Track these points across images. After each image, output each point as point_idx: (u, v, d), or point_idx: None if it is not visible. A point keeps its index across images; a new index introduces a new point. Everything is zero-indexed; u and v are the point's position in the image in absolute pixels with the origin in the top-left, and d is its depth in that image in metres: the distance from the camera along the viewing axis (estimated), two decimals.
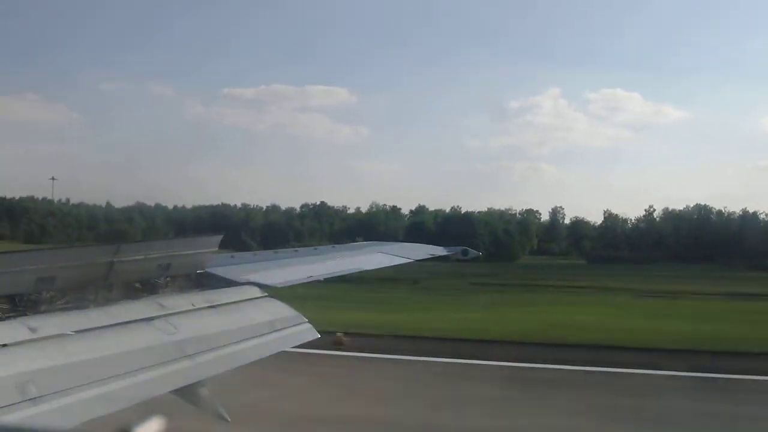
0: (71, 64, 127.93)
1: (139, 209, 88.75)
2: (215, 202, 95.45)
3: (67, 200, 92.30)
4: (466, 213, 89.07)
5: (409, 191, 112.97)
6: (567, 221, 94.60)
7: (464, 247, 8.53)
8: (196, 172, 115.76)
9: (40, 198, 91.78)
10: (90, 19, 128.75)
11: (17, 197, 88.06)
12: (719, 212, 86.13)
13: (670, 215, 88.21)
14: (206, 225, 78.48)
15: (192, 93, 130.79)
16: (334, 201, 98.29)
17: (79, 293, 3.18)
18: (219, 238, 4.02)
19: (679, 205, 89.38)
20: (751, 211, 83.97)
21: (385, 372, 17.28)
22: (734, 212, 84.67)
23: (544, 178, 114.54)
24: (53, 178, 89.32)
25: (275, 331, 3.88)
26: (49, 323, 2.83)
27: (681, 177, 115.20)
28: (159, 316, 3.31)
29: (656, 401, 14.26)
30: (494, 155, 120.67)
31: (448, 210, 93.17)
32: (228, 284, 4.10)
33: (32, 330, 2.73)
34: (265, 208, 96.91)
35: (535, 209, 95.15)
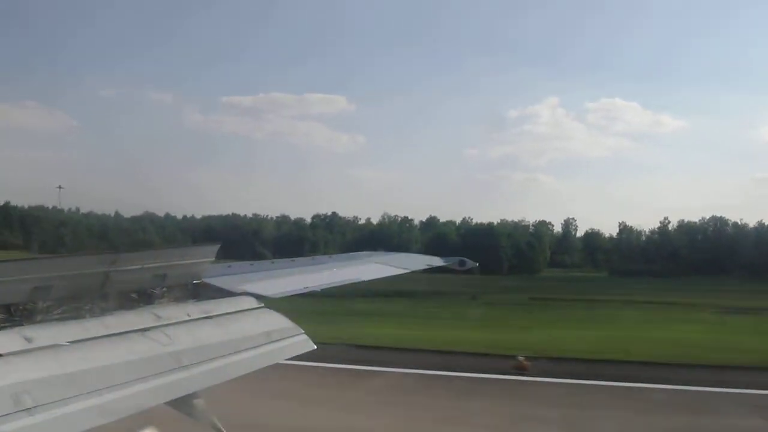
0: (70, 71, 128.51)
1: (150, 219, 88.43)
2: (217, 210, 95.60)
3: (77, 209, 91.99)
4: (489, 225, 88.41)
5: (407, 200, 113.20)
6: (580, 233, 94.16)
7: (461, 258, 8.51)
8: (195, 179, 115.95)
9: (50, 207, 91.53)
10: (89, 28, 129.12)
11: (26, 206, 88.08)
12: (735, 224, 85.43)
13: (685, 227, 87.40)
14: (218, 235, 78.37)
15: (191, 100, 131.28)
16: (330, 209, 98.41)
17: (74, 303, 3.18)
18: (216, 247, 4.02)
19: (684, 216, 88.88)
20: (747, 221, 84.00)
21: (614, 401, 14.95)
22: (747, 224, 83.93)
23: (543, 188, 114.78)
24: (60, 187, 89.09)
25: (271, 342, 3.88)
26: (44, 333, 2.83)
27: (678, 187, 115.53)
28: (154, 327, 3.30)
29: None
30: (493, 165, 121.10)
31: (459, 221, 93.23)
32: (224, 294, 4.10)
33: (28, 340, 2.72)
34: (274, 218, 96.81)
35: (547, 221, 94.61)
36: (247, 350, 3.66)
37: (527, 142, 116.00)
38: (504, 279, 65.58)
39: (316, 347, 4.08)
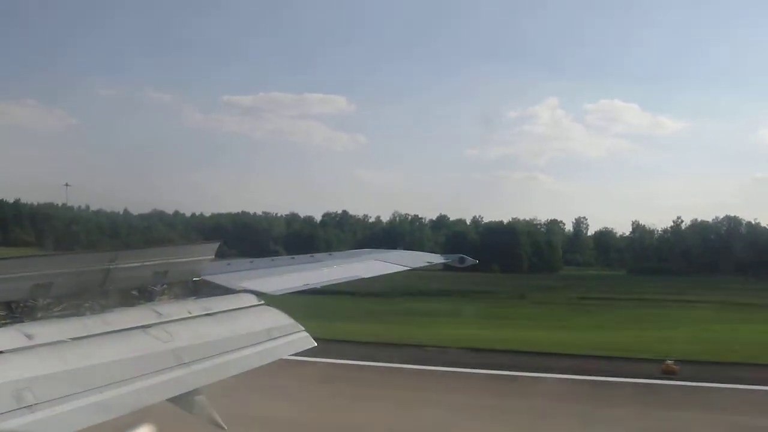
0: (69, 70, 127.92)
1: (159, 216, 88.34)
2: (220, 209, 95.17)
3: (87, 207, 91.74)
4: (509, 223, 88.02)
5: (407, 199, 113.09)
6: (590, 232, 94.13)
7: (461, 255, 8.52)
8: (197, 177, 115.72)
9: (60, 204, 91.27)
10: (89, 28, 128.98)
11: (35, 203, 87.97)
12: (749, 224, 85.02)
13: (698, 226, 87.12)
14: (229, 233, 78.14)
15: (190, 100, 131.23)
16: (332, 207, 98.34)
17: (75, 300, 3.19)
18: (216, 245, 4.03)
19: (697, 215, 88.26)
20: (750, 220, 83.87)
21: None
22: (759, 223, 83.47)
23: (542, 188, 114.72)
24: (67, 184, 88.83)
25: (271, 339, 3.88)
26: (45, 330, 2.83)
27: (678, 188, 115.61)
28: (155, 324, 3.31)
29: None
30: (492, 165, 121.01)
31: (469, 220, 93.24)
32: (224, 292, 4.10)
33: (29, 337, 2.73)
34: (283, 215, 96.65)
35: (558, 219, 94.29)
36: (247, 347, 3.66)
37: (527, 142, 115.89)
38: (528, 277, 64.90)
39: (316, 344, 4.08)
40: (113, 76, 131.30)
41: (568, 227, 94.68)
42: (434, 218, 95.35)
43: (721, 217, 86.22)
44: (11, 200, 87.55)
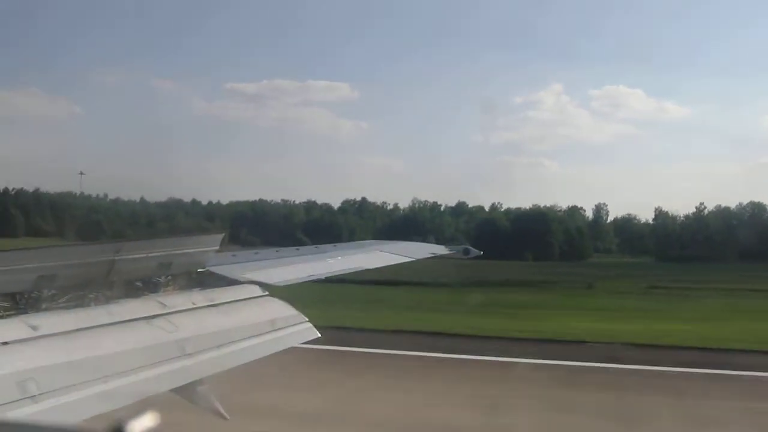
0: (71, 58, 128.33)
1: (177, 205, 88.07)
2: (228, 197, 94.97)
3: (105, 195, 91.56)
4: (541, 210, 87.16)
5: (415, 186, 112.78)
6: (610, 218, 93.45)
7: (465, 246, 8.51)
8: (206, 166, 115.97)
9: (78, 193, 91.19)
10: (91, 17, 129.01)
11: (51, 192, 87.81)
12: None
13: (722, 213, 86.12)
14: (249, 222, 77.87)
15: (194, 87, 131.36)
16: (349, 195, 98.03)
17: (79, 291, 3.20)
18: (221, 236, 4.04)
19: (704, 200, 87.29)
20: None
21: None
22: None
23: (547, 173, 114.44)
24: (82, 173, 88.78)
25: (276, 330, 3.90)
26: (49, 321, 2.85)
27: (684, 174, 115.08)
28: (159, 315, 3.33)
29: None
30: (496, 151, 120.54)
31: (487, 207, 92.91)
32: (229, 283, 4.12)
33: (33, 328, 2.75)
34: (298, 202, 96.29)
35: (579, 206, 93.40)
36: (251, 338, 3.68)
37: (531, 128, 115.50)
38: (565, 265, 63.55)
39: (320, 335, 4.09)
40: (116, 64, 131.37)
41: (588, 213, 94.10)
42: (453, 205, 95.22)
43: (745, 203, 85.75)
44: (30, 189, 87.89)
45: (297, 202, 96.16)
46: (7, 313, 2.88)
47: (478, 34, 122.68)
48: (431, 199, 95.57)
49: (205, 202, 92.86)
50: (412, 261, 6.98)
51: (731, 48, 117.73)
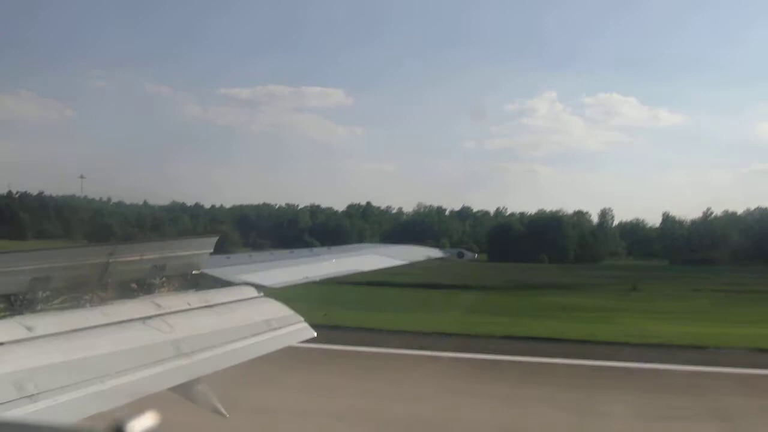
0: (64, 61, 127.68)
1: (181, 208, 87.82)
2: (231, 201, 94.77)
3: (108, 199, 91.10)
4: (556, 215, 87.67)
5: (409, 191, 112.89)
6: (615, 223, 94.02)
7: (460, 250, 8.58)
8: (201, 169, 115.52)
9: (82, 197, 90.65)
10: (85, 19, 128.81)
11: (54, 195, 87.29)
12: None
13: (729, 217, 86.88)
14: (254, 225, 77.59)
15: (187, 92, 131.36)
16: (354, 200, 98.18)
17: (75, 293, 3.21)
18: (215, 239, 4.05)
19: (731, 207, 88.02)
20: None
21: None
22: None
23: (542, 180, 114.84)
24: (82, 176, 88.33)
25: (271, 330, 3.91)
26: (45, 322, 2.86)
27: (678, 181, 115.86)
28: (155, 316, 3.33)
29: None
30: (490, 157, 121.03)
31: (492, 212, 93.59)
32: (224, 285, 4.13)
33: (29, 329, 2.75)
34: (306, 207, 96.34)
35: (584, 210, 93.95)
36: (246, 338, 3.69)
37: (524, 135, 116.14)
38: (584, 268, 63.62)
39: (315, 335, 4.10)
40: (107, 67, 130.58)
41: (592, 218, 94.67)
42: (458, 209, 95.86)
43: (753, 208, 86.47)
44: (35, 192, 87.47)
45: (301, 206, 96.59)
46: (3, 314, 2.89)
47: (473, 41, 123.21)
48: (435, 203, 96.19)
49: (207, 206, 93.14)
50: (405, 264, 7.00)
51: (726, 55, 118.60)
